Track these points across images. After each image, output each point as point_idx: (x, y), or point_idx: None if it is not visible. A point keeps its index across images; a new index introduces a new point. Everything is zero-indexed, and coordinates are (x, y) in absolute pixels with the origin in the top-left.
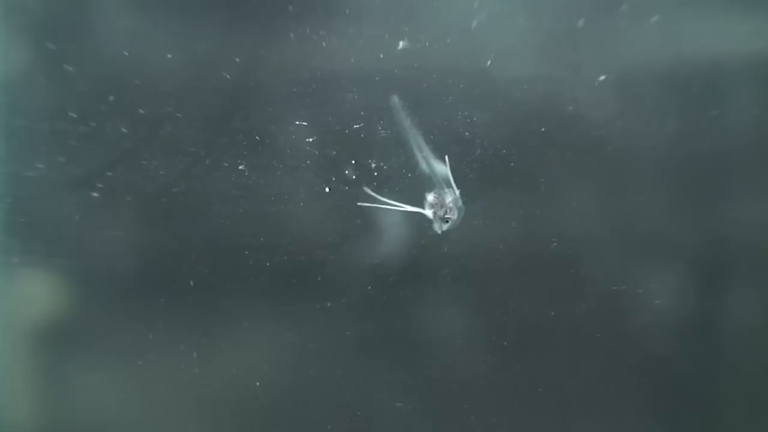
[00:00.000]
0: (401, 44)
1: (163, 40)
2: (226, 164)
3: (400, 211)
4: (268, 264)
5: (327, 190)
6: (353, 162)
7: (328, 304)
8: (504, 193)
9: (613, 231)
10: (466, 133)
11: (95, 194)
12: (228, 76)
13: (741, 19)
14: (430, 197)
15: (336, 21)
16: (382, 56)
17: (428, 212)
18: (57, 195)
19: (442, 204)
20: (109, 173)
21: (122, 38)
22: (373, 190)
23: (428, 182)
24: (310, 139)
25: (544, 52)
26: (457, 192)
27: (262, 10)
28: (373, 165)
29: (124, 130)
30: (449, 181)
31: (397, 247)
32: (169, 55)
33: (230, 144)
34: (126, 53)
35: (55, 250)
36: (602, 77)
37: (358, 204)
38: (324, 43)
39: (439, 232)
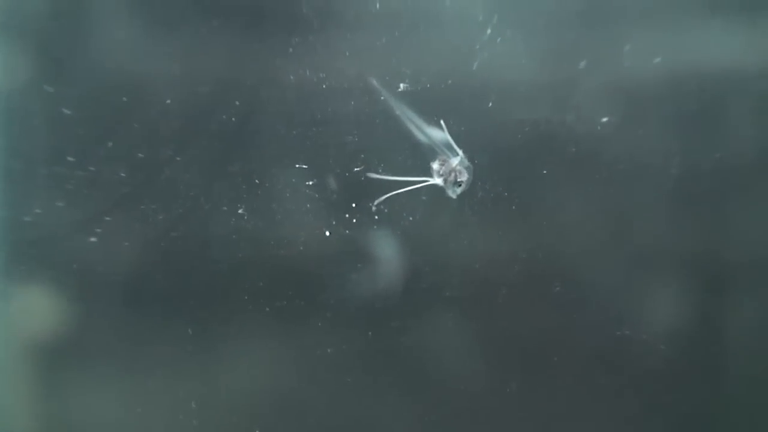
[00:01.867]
0: (402, 86)
1: (163, 84)
2: (225, 208)
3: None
4: (267, 309)
5: (327, 234)
6: (353, 205)
7: (329, 350)
8: (505, 237)
9: (618, 251)
10: (467, 175)
11: (93, 239)
12: (227, 120)
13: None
14: (436, 165)
15: (336, 63)
16: (382, 98)
17: (438, 181)
18: (55, 240)
19: (450, 169)
20: (108, 218)
21: (121, 82)
22: (375, 237)
23: (429, 151)
24: (310, 183)
25: (546, 93)
26: (461, 152)
27: (261, 53)
28: (374, 208)
29: (122, 174)
30: (450, 144)
31: (397, 289)
32: (168, 101)
33: (229, 188)
34: (125, 98)
35: (53, 296)
36: (605, 119)
37: (367, 175)
38: (324, 86)
39: (454, 196)
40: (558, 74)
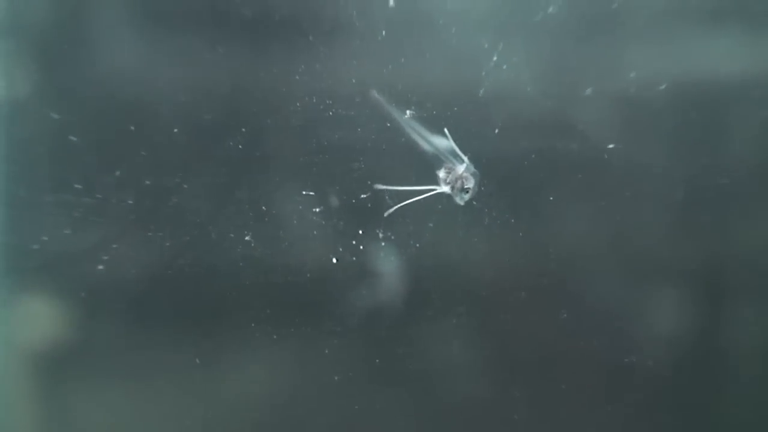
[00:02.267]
0: (408, 113)
1: (170, 112)
2: (232, 235)
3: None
4: (275, 336)
5: (334, 261)
6: (360, 232)
7: (336, 378)
8: (513, 263)
9: (627, 264)
10: (474, 202)
11: (100, 267)
12: (234, 146)
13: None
14: (442, 173)
15: (342, 90)
16: (388, 125)
17: (445, 189)
18: (62, 268)
19: (456, 176)
20: (115, 245)
21: (128, 110)
22: (382, 264)
23: (435, 160)
24: (317, 210)
25: (552, 118)
26: (466, 159)
27: (268, 80)
28: (381, 235)
29: (129, 201)
30: (455, 151)
31: (405, 316)
32: (176, 129)
33: (236, 215)
34: (132, 127)
35: (61, 323)
36: (611, 145)
37: (376, 186)
38: (330, 112)
39: (462, 203)
40: (563, 97)
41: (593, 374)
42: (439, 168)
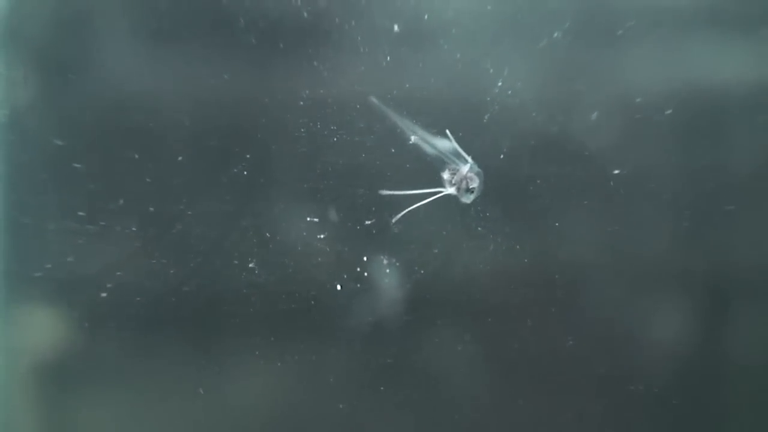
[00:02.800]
0: (413, 138)
1: (173, 139)
2: (236, 262)
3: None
4: (279, 364)
5: (338, 287)
6: (365, 259)
7: (341, 406)
8: (520, 289)
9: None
10: (479, 228)
11: (104, 294)
12: (238, 173)
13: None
14: (446, 174)
15: (346, 116)
16: (393, 151)
17: (451, 190)
18: (65, 296)
19: (460, 177)
20: (119, 273)
21: (132, 136)
22: (387, 291)
23: (438, 162)
24: (322, 236)
25: (558, 146)
26: (470, 159)
27: (272, 106)
28: (385, 261)
29: (133, 228)
30: (458, 152)
31: (410, 344)
32: (180, 157)
33: (241, 241)
34: (136, 155)
35: (64, 351)
36: (617, 171)
37: (380, 192)
38: (335, 138)
39: (469, 202)
40: (570, 126)
41: (605, 390)
42: (443, 170)
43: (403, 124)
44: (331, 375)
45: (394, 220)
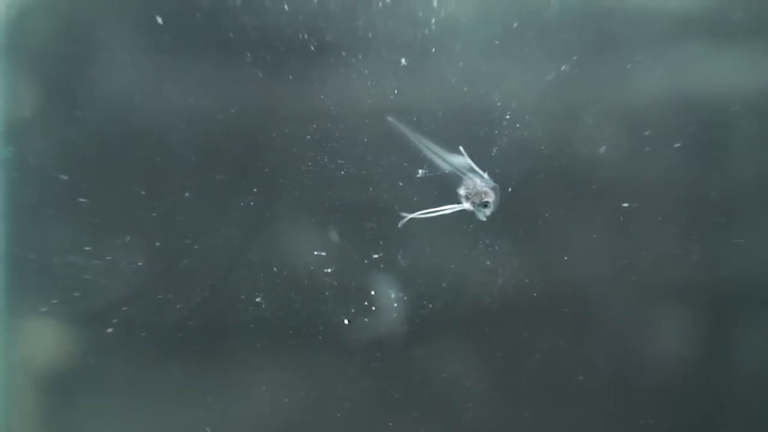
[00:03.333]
0: (420, 172)
1: (180, 173)
2: (243, 296)
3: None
4: (286, 400)
5: (346, 322)
6: (372, 293)
7: None
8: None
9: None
10: (488, 262)
11: (110, 330)
12: (245, 207)
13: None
14: (462, 190)
15: (354, 150)
16: (401, 185)
17: (466, 205)
18: (71, 331)
19: (475, 192)
20: (125, 308)
21: (138, 172)
22: (395, 325)
23: (455, 178)
24: (329, 270)
25: (557, 182)
26: (486, 175)
27: (280, 140)
28: (393, 295)
29: (139, 263)
30: (472, 168)
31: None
32: (187, 194)
33: (247, 276)
34: (143, 192)
35: (69, 387)
36: (625, 204)
37: (404, 215)
38: (342, 172)
39: (484, 219)
40: (576, 159)
41: (614, 403)
42: (459, 185)
43: (419, 141)
44: (339, 410)
45: (400, 225)
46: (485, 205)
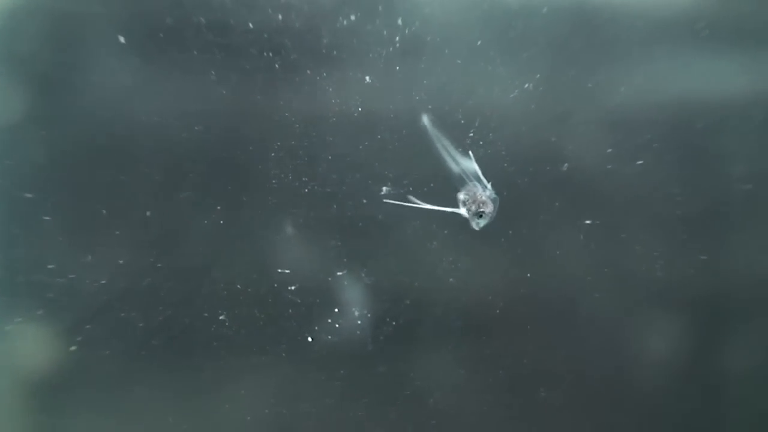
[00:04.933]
0: (384, 189)
1: (143, 192)
2: (206, 314)
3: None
4: (248, 418)
5: (310, 339)
6: (336, 310)
7: None
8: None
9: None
10: (451, 280)
11: (73, 348)
12: (209, 225)
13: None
14: (462, 195)
15: (318, 168)
16: (365, 201)
17: (462, 210)
18: (35, 349)
19: (474, 199)
20: (88, 326)
21: (101, 190)
22: (358, 343)
23: (459, 180)
24: (293, 288)
25: (519, 200)
26: (489, 184)
27: (243, 158)
28: (357, 313)
29: (102, 282)
30: (478, 175)
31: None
32: (148, 213)
33: (211, 294)
34: (104, 211)
35: (32, 406)
36: (588, 222)
37: (384, 200)
38: (306, 190)
39: (477, 228)
40: (540, 176)
41: (606, 407)
42: (461, 189)
43: (435, 135)
44: (303, 428)
45: (384, 199)
46: (480, 215)
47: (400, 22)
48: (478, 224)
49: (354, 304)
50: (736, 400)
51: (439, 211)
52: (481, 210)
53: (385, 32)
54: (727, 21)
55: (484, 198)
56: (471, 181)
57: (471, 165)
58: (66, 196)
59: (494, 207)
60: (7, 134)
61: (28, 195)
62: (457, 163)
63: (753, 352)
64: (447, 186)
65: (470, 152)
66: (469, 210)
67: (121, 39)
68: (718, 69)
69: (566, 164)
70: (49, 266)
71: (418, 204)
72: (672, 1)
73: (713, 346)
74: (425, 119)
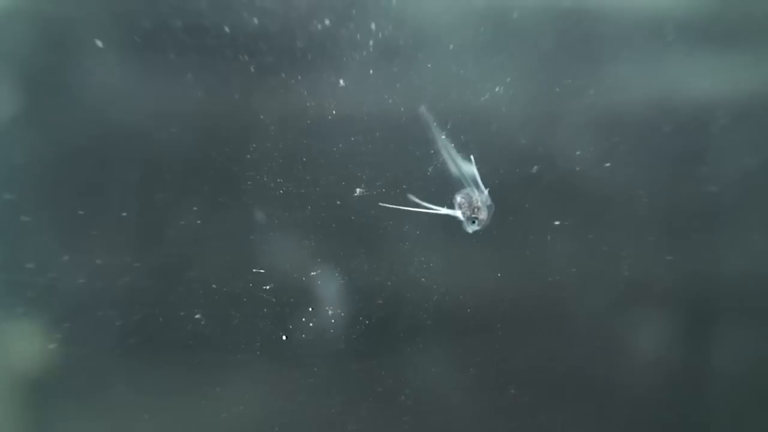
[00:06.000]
0: (358, 191)
1: (120, 193)
2: (182, 313)
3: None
4: (224, 415)
5: (284, 338)
6: (310, 309)
7: None
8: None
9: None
10: (423, 279)
11: (52, 346)
12: (184, 226)
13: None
14: (459, 198)
15: (293, 170)
16: (338, 203)
17: (457, 213)
18: (14, 347)
19: (470, 204)
20: (66, 324)
21: (78, 192)
22: (331, 341)
23: (457, 183)
24: (267, 287)
25: (502, 196)
26: (486, 191)
27: (218, 160)
28: (330, 312)
29: (81, 281)
30: (476, 180)
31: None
32: (124, 213)
33: (187, 293)
34: (81, 212)
35: (9, 402)
36: (557, 222)
37: (380, 204)
38: (281, 191)
39: (470, 231)
40: (510, 176)
41: (598, 407)
42: (458, 192)
43: (438, 137)
44: (277, 424)
45: (380, 204)
46: (473, 221)
47: (373, 26)
48: (471, 228)
49: (328, 303)
50: (712, 396)
51: (433, 212)
52: (474, 216)
53: (358, 36)
54: (697, 22)
55: (479, 204)
56: (469, 185)
57: (471, 169)
58: (44, 197)
59: (488, 214)
60: None
61: (8, 196)
62: (457, 166)
63: (722, 348)
64: (419, 188)
65: (472, 157)
66: (464, 214)
67: (98, 43)
68: (685, 71)
69: (535, 166)
70: (29, 266)
71: (417, 203)
72: (641, 3)
73: (679, 342)
74: (426, 115)
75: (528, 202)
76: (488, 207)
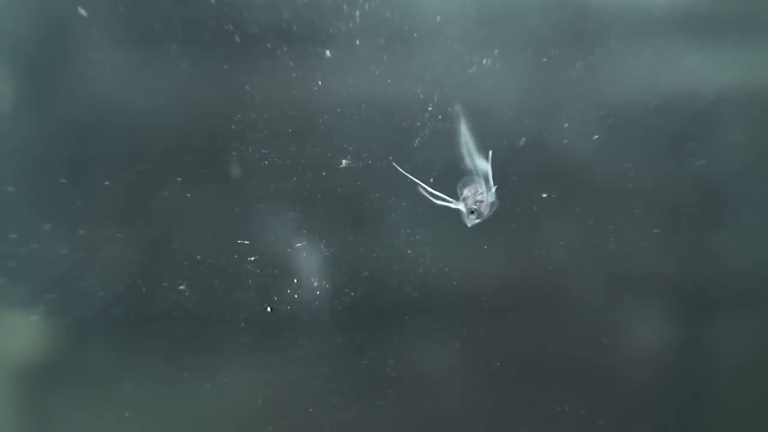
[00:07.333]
0: (344, 162)
1: (103, 164)
2: (166, 284)
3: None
4: (208, 386)
5: (269, 309)
6: (295, 281)
7: (270, 428)
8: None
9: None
10: (409, 251)
11: (35, 317)
12: (169, 197)
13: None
14: (465, 191)
15: (278, 141)
16: (324, 174)
17: (459, 205)
18: None
19: (474, 198)
20: (49, 295)
21: (61, 161)
22: (317, 313)
23: (468, 177)
24: (252, 259)
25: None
26: (493, 189)
27: (203, 131)
28: (315, 283)
29: (64, 251)
30: (487, 176)
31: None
32: (107, 182)
33: (171, 264)
34: (63, 180)
35: None
36: (544, 195)
37: (393, 164)
38: (266, 162)
39: (469, 225)
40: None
41: (595, 395)
42: (467, 186)
43: (462, 130)
44: (261, 396)
45: (393, 163)
46: (472, 211)
47: None
48: (471, 221)
49: (313, 275)
50: (702, 390)
51: (437, 201)
52: (474, 208)
53: (345, 7)
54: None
55: (482, 199)
56: (479, 179)
57: (485, 165)
58: (27, 167)
59: (490, 210)
60: None
61: None
62: (472, 160)
63: (707, 335)
64: (405, 159)
65: (490, 152)
66: (467, 206)
67: (82, 12)
68: (672, 51)
69: (523, 138)
70: (11, 236)
71: (422, 187)
72: None
73: (678, 330)
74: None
75: (514, 176)
76: (492, 204)
